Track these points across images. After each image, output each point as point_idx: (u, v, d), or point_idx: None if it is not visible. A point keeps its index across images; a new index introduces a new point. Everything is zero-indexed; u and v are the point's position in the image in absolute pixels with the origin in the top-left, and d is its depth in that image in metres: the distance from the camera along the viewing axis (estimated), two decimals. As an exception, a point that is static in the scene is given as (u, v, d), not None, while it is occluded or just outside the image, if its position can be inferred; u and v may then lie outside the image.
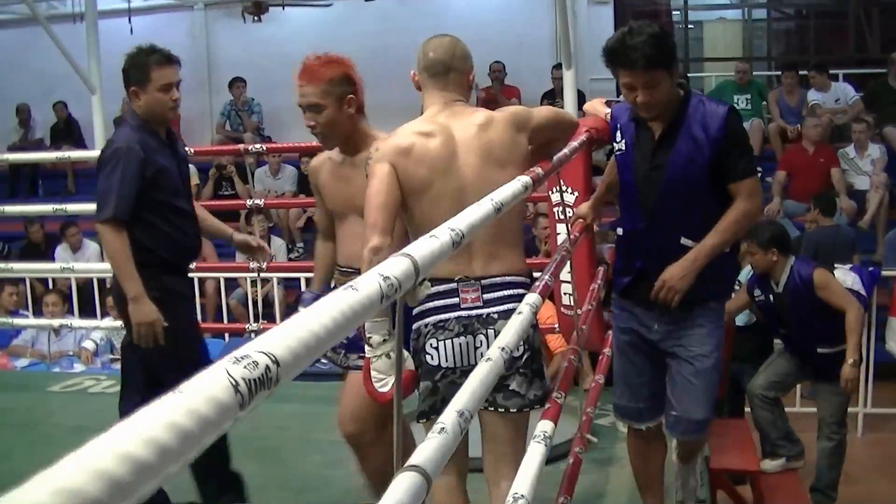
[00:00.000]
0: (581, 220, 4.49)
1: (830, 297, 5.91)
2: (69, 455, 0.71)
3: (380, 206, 3.18)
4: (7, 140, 13.84)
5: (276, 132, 13.28)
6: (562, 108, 8.31)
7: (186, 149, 7.37)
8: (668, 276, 3.80)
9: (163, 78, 4.22)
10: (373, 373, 3.15)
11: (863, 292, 6.40)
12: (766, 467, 6.06)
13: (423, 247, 1.55)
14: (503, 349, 2.04)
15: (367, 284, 1.26)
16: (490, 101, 12.66)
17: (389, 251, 2.86)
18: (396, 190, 3.25)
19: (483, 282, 3.29)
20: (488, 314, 3.27)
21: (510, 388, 3.28)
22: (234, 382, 0.88)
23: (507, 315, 2.94)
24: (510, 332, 2.18)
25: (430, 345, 3.29)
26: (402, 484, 1.36)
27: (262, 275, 7.66)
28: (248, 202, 6.94)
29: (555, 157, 3.49)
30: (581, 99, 10.76)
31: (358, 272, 3.17)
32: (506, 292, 3.30)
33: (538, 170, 2.87)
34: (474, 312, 3.27)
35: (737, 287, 6.39)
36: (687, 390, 3.95)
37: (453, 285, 3.28)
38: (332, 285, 3.91)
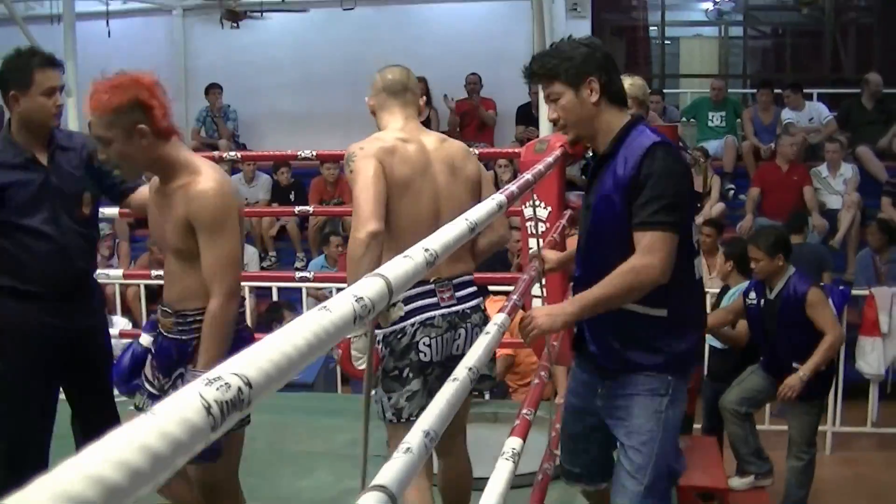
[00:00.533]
0: (539, 261, 3.85)
1: (818, 318, 6.01)
2: (37, 479, 0.71)
3: (372, 198, 3.40)
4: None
5: (251, 140, 13.26)
6: (537, 121, 8.35)
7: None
8: (536, 311, 3.19)
9: (46, 81, 3.92)
10: (353, 352, 3.52)
11: (833, 311, 6.47)
12: (735, 485, 6.10)
13: (397, 267, 1.56)
14: (470, 369, 2.05)
15: (340, 305, 1.27)
16: (467, 113, 12.69)
17: (378, 242, 3.32)
18: (384, 183, 3.47)
19: (454, 281, 3.64)
20: (464, 310, 3.63)
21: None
22: (206, 405, 0.89)
23: (478, 309, 3.69)
24: (478, 351, 2.19)
25: (424, 342, 3.53)
26: (368, 503, 1.38)
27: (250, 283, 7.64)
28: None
29: (529, 173, 3.50)
30: (557, 113, 10.82)
31: (176, 314, 3.36)
32: (470, 289, 3.71)
33: (513, 187, 2.88)
34: (453, 309, 3.60)
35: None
36: (616, 470, 3.38)
37: (431, 286, 3.55)
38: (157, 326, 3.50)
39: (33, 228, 3.90)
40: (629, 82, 4.81)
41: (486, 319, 3.70)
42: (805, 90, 12.11)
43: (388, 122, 3.80)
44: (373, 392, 3.43)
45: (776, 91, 12.21)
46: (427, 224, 3.45)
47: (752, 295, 6.31)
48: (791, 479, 6.27)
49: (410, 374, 3.52)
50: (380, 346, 3.47)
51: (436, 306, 3.56)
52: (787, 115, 11.79)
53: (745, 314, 6.47)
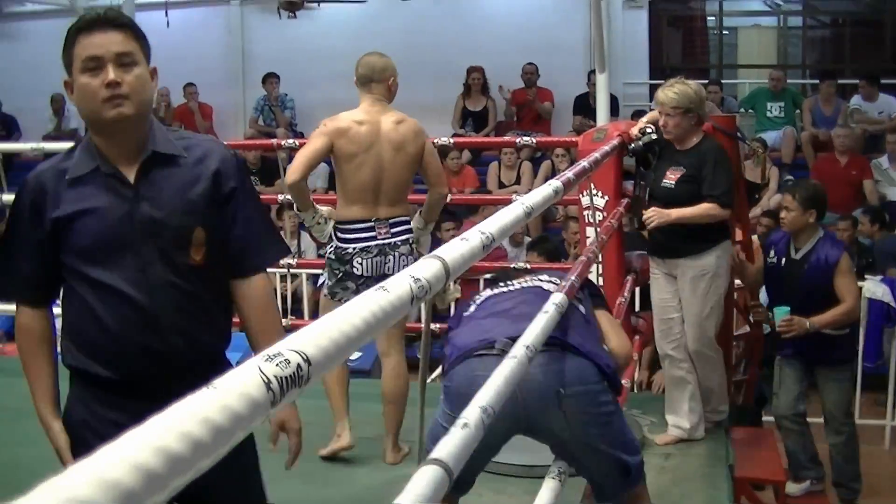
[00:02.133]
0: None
1: (842, 285, 5.77)
2: (108, 446, 0.72)
3: (304, 158, 4.83)
4: (42, 129, 13.94)
5: (308, 128, 13.30)
6: (594, 112, 8.33)
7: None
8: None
9: (84, 50, 2.56)
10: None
11: (894, 304, 6.34)
12: (791, 491, 5.99)
13: (454, 249, 1.56)
14: (528, 347, 2.05)
15: (398, 286, 1.27)
16: (524, 104, 12.65)
17: (300, 188, 4.85)
18: (320, 155, 4.91)
19: (389, 221, 4.90)
20: (394, 242, 4.90)
21: None
22: (266, 380, 0.90)
23: (406, 242, 4.93)
24: (535, 330, 2.19)
25: (357, 261, 4.88)
26: (425, 477, 1.37)
27: (292, 270, 7.73)
28: (280, 197, 6.95)
29: (585, 161, 3.49)
30: (614, 103, 10.76)
31: None
32: (402, 227, 4.94)
33: (569, 174, 2.87)
34: (385, 241, 4.88)
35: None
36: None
37: (371, 223, 4.87)
38: None
39: (105, 283, 2.61)
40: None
41: (411, 250, 4.96)
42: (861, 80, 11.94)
43: (361, 101, 4.97)
44: (322, 274, 5.36)
45: (839, 82, 12.05)
46: (369, 188, 4.86)
47: (773, 252, 6.00)
48: (837, 456, 6.12)
49: (345, 278, 4.92)
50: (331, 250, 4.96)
51: (373, 238, 4.87)
52: (856, 101, 11.62)
53: (764, 271, 6.13)
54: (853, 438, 6.14)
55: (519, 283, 3.35)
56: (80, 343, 2.67)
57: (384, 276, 3.61)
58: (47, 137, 13.40)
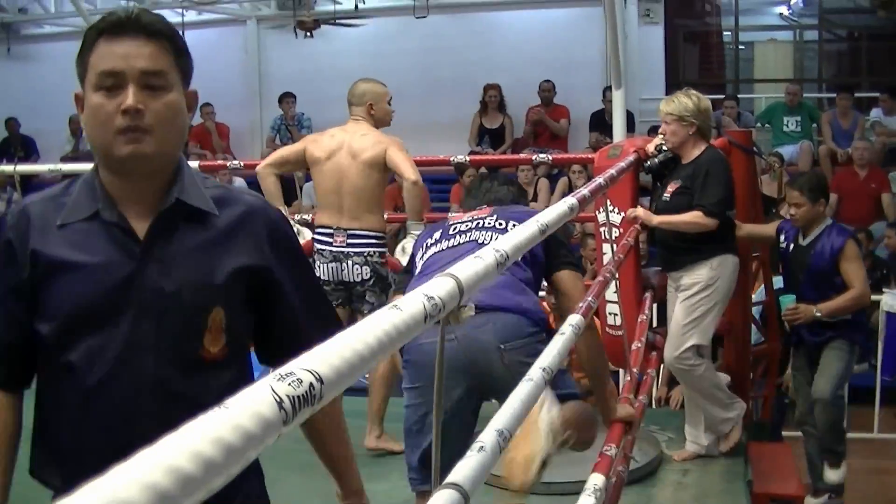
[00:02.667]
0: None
1: (849, 271, 5.72)
2: (117, 467, 0.73)
3: (278, 155, 5.65)
4: (61, 150, 14.02)
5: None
6: (611, 128, 8.32)
7: (237, 162, 7.40)
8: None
9: (102, 62, 1.95)
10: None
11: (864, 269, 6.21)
12: None
13: (468, 268, 1.57)
14: (544, 370, 2.05)
15: (411, 304, 1.28)
16: (538, 123, 12.68)
17: (268, 173, 5.45)
18: (293, 155, 5.57)
19: (348, 231, 5.24)
20: (347, 252, 5.24)
21: (365, 297, 5.25)
22: (278, 399, 0.90)
23: (361, 255, 5.23)
24: (551, 352, 2.19)
25: (317, 263, 5.22)
26: (441, 500, 1.38)
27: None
28: (296, 217, 6.96)
29: (601, 178, 3.50)
30: (630, 119, 10.75)
31: None
32: (361, 241, 5.24)
33: (585, 191, 2.88)
34: (339, 249, 5.25)
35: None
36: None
37: (332, 230, 5.26)
38: None
39: (83, 385, 1.94)
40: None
41: (366, 262, 5.24)
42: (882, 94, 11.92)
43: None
44: None
45: (856, 95, 12.03)
46: (333, 194, 5.30)
47: (783, 238, 5.96)
48: (810, 439, 6.01)
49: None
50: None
51: (330, 244, 5.27)
52: (875, 114, 11.60)
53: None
54: (839, 424, 5.95)
55: (461, 233, 3.75)
56: (49, 455, 2.02)
57: (343, 283, 5.28)
58: (65, 159, 13.48)
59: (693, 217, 5.08)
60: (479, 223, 3.76)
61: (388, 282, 5.24)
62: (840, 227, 5.96)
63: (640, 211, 5.26)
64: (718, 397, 5.25)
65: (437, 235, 3.82)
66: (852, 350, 5.90)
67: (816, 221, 5.81)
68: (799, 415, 6.12)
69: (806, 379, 5.98)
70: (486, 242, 3.54)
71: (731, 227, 5.30)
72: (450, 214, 4.44)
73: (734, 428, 5.25)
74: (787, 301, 5.83)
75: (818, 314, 5.67)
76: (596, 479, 2.66)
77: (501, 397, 3.07)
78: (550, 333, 3.04)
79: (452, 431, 2.96)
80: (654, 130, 10.55)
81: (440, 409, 1.75)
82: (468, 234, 3.72)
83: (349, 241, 5.25)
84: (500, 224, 3.73)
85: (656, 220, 5.20)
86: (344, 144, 5.35)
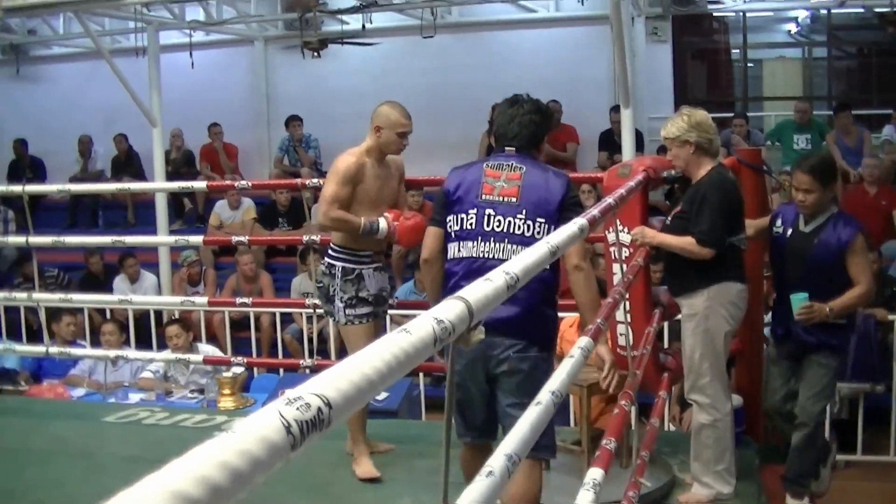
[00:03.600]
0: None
1: (855, 265, 5.34)
2: (122, 489, 0.72)
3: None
4: (69, 171, 14.09)
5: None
6: (620, 147, 8.31)
7: (245, 182, 7.45)
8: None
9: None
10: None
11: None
12: None
13: (478, 290, 1.56)
14: (553, 393, 2.04)
15: (420, 328, 1.27)
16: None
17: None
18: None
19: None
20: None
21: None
22: (286, 424, 0.90)
23: (322, 269, 5.49)
24: (560, 375, 2.19)
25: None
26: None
27: (318, 311, 7.70)
28: (304, 238, 6.90)
29: (611, 198, 3.50)
30: (639, 138, 10.76)
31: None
32: (327, 255, 5.51)
33: (594, 211, 2.87)
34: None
35: None
36: None
37: (370, 254, 5.42)
38: None
39: None
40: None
41: (324, 273, 5.44)
42: (889, 110, 11.92)
43: None
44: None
45: (857, 112, 12.01)
46: None
47: (779, 223, 5.54)
48: (791, 452, 5.54)
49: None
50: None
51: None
52: (888, 131, 11.58)
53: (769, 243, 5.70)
54: (814, 440, 5.55)
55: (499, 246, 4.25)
56: None
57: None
58: (73, 179, 13.54)
59: (685, 243, 4.94)
60: (510, 220, 4.27)
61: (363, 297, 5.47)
62: (847, 216, 5.52)
63: (644, 229, 5.14)
64: (716, 466, 5.03)
65: (470, 211, 4.34)
66: (839, 361, 5.56)
67: (823, 208, 5.40)
68: (769, 408, 5.75)
69: (781, 373, 5.71)
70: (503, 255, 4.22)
71: (735, 254, 5.07)
72: (484, 166, 4.41)
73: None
74: (800, 300, 5.33)
75: (830, 314, 5.28)
76: (595, 474, 2.62)
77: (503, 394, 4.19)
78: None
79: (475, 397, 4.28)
80: (662, 150, 10.56)
81: (449, 423, 1.74)
82: (494, 242, 4.30)
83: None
84: (529, 225, 4.24)
85: (655, 239, 5.09)
86: None
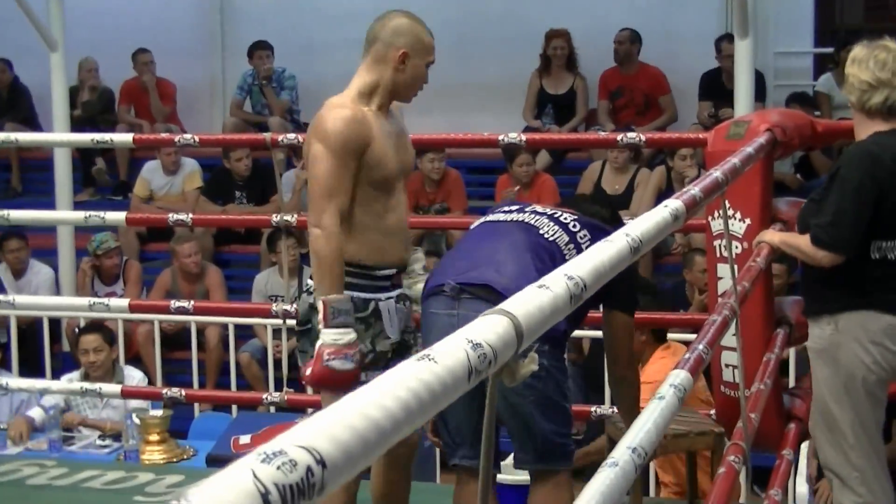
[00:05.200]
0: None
1: None
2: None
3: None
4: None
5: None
6: (731, 95, 8.31)
7: (189, 136, 7.40)
8: None
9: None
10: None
11: None
12: None
13: (530, 301, 1.57)
14: (634, 450, 2.06)
15: (449, 354, 1.27)
16: (624, 87, 12.58)
17: None
18: None
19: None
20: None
21: None
22: (262, 489, 0.90)
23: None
24: (644, 426, 2.20)
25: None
26: None
27: (290, 321, 7.53)
28: (274, 218, 6.86)
29: (718, 170, 3.50)
30: (760, 82, 10.71)
31: None
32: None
33: (694, 190, 2.88)
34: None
35: None
36: None
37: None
38: None
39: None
40: None
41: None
42: None
43: None
44: None
45: None
46: None
47: None
48: None
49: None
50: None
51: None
52: None
53: None
54: None
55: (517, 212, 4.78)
56: None
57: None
58: None
59: (805, 243, 4.93)
60: (553, 214, 4.73)
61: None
62: None
63: (770, 235, 5.09)
64: None
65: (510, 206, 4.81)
66: None
67: None
68: None
69: None
70: (544, 234, 4.64)
71: (886, 269, 4.98)
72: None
73: None
74: None
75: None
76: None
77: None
78: None
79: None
80: (796, 100, 10.56)
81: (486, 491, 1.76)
82: (525, 215, 4.76)
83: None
84: (575, 227, 4.65)
85: (777, 238, 5.04)
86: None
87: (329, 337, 4.49)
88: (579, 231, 4.59)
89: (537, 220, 4.68)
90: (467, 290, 4.49)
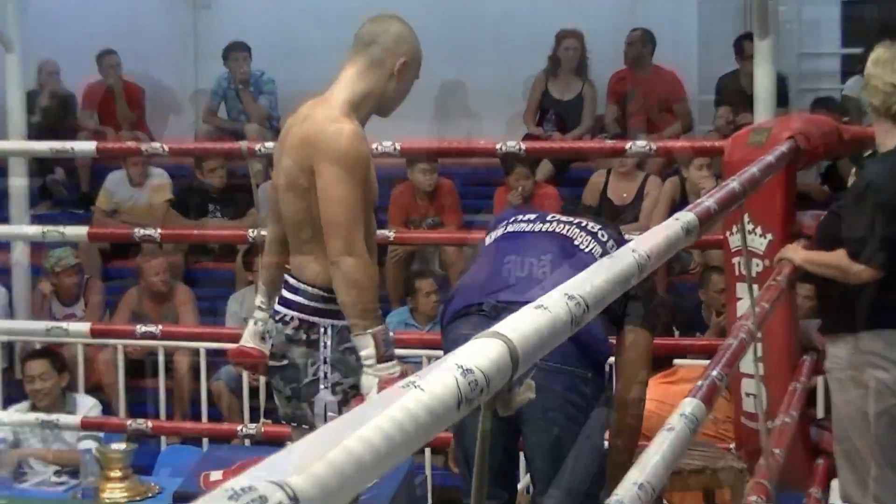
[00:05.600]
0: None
1: None
2: None
3: None
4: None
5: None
6: (750, 100, 8.32)
7: (157, 144, 7.39)
8: None
9: None
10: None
11: None
12: None
13: (526, 323, 1.56)
14: (640, 486, 2.06)
15: (438, 380, 1.27)
16: (639, 89, 12.59)
17: None
18: None
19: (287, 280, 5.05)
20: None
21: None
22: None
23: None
24: (652, 459, 2.20)
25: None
26: None
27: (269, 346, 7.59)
28: (250, 233, 6.89)
29: (736, 180, 3.50)
30: (782, 85, 10.72)
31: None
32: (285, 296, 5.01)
33: (709, 202, 2.88)
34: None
35: None
36: None
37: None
38: None
39: None
40: None
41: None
42: None
43: None
44: None
45: None
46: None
47: None
48: None
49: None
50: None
51: None
52: None
53: None
54: None
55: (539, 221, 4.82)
56: None
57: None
58: None
59: (836, 258, 4.96)
60: (580, 223, 4.78)
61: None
62: None
63: (794, 251, 5.11)
64: None
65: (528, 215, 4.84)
66: None
67: None
68: None
69: None
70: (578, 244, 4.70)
71: None
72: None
73: None
74: None
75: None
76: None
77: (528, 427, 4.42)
78: None
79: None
80: (821, 104, 10.57)
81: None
82: (552, 224, 4.81)
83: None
84: (603, 237, 4.71)
85: (801, 256, 5.07)
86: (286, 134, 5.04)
87: (384, 372, 4.56)
88: (608, 241, 4.63)
89: (569, 230, 4.72)
90: (510, 309, 4.28)
